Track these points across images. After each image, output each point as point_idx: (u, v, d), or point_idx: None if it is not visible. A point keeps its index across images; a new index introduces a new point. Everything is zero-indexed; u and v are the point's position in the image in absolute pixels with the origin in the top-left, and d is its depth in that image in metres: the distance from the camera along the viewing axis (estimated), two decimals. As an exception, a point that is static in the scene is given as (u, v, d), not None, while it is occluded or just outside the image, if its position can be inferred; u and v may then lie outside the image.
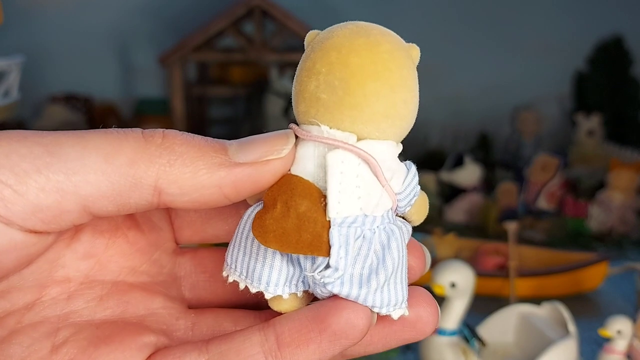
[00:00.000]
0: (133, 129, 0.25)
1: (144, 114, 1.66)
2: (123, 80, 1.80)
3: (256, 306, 0.30)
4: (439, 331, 0.85)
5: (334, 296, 0.26)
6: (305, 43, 0.27)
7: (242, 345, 0.26)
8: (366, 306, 0.26)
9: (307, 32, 0.27)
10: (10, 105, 1.14)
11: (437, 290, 0.85)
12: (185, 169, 0.24)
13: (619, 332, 0.83)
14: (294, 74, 0.27)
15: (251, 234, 0.26)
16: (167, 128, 0.26)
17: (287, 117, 1.54)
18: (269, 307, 0.28)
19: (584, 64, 1.82)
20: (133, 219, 0.29)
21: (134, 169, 0.24)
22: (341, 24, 0.27)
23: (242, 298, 0.30)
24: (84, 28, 1.74)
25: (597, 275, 1.17)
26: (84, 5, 1.75)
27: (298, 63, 0.27)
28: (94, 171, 0.23)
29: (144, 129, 0.26)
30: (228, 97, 1.74)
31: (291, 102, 0.27)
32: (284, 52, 1.58)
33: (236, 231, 0.27)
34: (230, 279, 0.27)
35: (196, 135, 0.26)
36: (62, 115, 1.59)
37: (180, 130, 0.26)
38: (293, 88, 0.27)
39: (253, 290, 0.27)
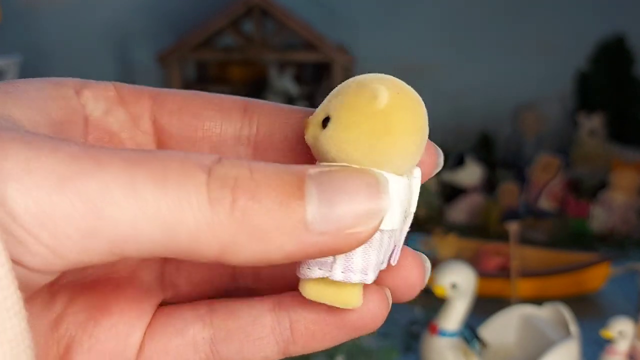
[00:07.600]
0: (197, 167, 0.20)
1: (143, 113, 1.66)
2: (121, 79, 1.76)
3: None
4: (440, 332, 0.84)
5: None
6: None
7: (252, 326, 0.24)
8: (384, 294, 0.24)
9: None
10: (8, 104, 1.14)
11: (438, 291, 0.84)
12: (254, 246, 0.20)
13: (620, 333, 0.83)
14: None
15: None
16: None
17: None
18: None
19: (585, 63, 1.82)
20: None
21: (195, 243, 0.20)
22: None
23: None
24: (82, 27, 1.74)
25: (599, 276, 1.16)
26: (82, 3, 1.74)
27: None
28: (149, 241, 0.20)
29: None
30: (227, 97, 1.74)
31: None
32: (283, 51, 1.57)
33: None
34: None
35: (268, 181, 0.20)
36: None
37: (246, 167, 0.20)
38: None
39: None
